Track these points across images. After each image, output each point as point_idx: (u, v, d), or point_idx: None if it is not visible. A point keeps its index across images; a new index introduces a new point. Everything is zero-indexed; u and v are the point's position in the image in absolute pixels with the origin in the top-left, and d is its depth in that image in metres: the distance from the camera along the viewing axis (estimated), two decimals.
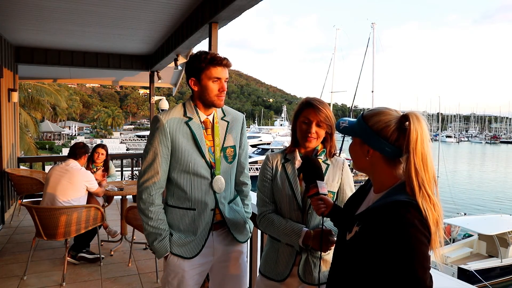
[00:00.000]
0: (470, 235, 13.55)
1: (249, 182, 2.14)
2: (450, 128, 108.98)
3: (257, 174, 1.84)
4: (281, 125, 70.05)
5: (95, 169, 4.69)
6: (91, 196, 4.14)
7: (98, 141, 40.10)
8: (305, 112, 1.69)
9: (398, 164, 1.17)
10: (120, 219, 4.58)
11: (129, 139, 56.28)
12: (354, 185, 1.81)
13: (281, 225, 1.69)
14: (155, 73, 7.04)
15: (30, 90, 16.48)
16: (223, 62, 1.78)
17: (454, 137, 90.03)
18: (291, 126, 1.81)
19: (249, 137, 38.83)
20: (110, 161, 5.05)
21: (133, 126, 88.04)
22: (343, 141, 20.17)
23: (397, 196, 1.07)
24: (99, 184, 4.13)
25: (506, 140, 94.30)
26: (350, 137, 1.26)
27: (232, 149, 1.95)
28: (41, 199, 3.90)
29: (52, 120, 44.25)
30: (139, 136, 58.79)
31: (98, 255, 3.95)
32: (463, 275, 11.10)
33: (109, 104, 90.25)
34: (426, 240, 1.01)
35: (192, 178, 1.84)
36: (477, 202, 24.38)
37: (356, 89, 28.19)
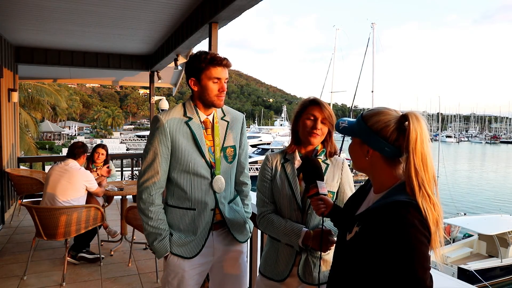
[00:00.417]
0: (470, 235, 13.56)
1: (249, 182, 2.14)
2: (450, 128, 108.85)
3: (257, 174, 1.84)
4: (281, 125, 70.02)
5: (95, 169, 4.70)
6: (91, 196, 4.14)
7: (98, 141, 40.13)
8: (310, 109, 1.70)
9: (398, 164, 1.17)
10: (120, 219, 4.58)
11: (129, 139, 56.25)
12: (354, 185, 1.81)
13: (280, 225, 1.69)
14: (155, 73, 7.04)
15: (30, 90, 16.47)
16: (223, 62, 1.78)
17: (454, 137, 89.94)
18: (291, 126, 1.80)
19: (249, 137, 38.84)
20: (110, 161, 5.06)
21: (133, 126, 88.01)
22: (343, 141, 20.13)
23: (397, 196, 1.07)
24: (99, 184, 4.13)
25: (506, 140, 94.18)
26: (350, 137, 1.26)
27: (232, 149, 1.95)
28: (41, 199, 3.91)
29: (52, 120, 44.22)
30: (139, 136, 58.79)
31: (98, 255, 3.95)
32: (463, 275, 11.10)
33: (109, 104, 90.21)
34: (426, 240, 1.01)
35: (192, 178, 1.84)
36: (477, 202, 24.36)
37: (356, 89, 28.22)
